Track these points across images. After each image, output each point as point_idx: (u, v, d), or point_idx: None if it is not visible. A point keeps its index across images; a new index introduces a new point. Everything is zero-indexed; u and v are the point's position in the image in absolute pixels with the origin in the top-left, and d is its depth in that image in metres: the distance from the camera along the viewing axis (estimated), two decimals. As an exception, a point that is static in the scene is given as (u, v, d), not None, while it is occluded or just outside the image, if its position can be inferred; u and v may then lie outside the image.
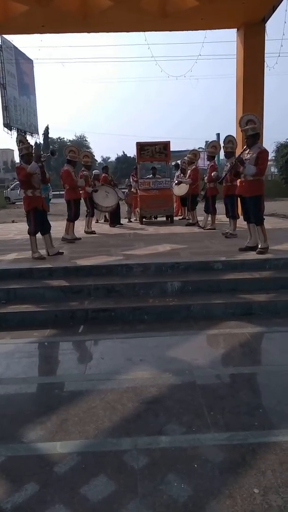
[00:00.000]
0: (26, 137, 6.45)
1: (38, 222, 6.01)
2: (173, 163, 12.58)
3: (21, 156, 6.09)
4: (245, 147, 5.81)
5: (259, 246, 5.85)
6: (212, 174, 7.96)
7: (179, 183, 9.64)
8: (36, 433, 2.58)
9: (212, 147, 8.67)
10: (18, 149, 6.15)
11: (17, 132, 46.47)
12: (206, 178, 8.26)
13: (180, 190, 9.75)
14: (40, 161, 5.90)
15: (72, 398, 2.99)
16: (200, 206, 9.84)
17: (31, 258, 6.00)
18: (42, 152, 6.38)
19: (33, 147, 6.18)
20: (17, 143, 6.10)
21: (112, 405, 2.85)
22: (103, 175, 10.21)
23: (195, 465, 2.22)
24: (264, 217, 5.89)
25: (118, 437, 2.50)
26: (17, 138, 6.25)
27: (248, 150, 5.73)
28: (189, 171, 9.58)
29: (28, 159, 5.91)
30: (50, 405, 2.90)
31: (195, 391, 3.00)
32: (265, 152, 5.68)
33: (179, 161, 11.63)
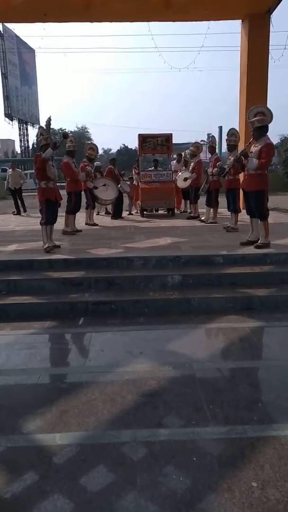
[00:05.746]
0: (45, 130, 6.86)
1: (50, 213, 6.08)
2: (175, 155, 12.47)
3: (40, 147, 6.31)
4: (251, 139, 5.74)
5: (259, 241, 5.83)
6: (215, 169, 7.89)
7: (185, 179, 9.56)
8: (36, 424, 2.59)
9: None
10: (38, 141, 6.53)
11: (18, 122, 46.22)
12: (209, 171, 8.17)
13: (184, 183, 9.69)
14: (56, 148, 6.05)
15: (71, 390, 2.99)
16: (202, 200, 9.80)
17: (43, 250, 5.88)
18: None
19: (51, 138, 6.44)
20: (37, 135, 6.49)
21: (112, 397, 2.86)
22: (108, 167, 10.13)
23: (194, 458, 2.23)
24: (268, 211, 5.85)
25: (118, 429, 2.51)
26: (38, 130, 6.78)
27: (255, 143, 5.66)
28: (192, 164, 9.52)
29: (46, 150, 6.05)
30: (49, 397, 2.91)
31: (195, 385, 3.01)
32: (270, 146, 5.58)
33: (183, 153, 11.49)
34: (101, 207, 10.98)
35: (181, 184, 9.77)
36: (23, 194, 12.54)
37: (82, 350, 3.81)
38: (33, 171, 15.86)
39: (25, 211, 12.23)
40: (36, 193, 6.35)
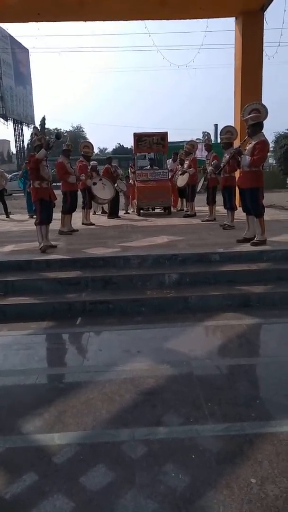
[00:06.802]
0: (39, 130, 6.80)
1: (44, 213, 6.06)
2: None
3: (34, 148, 6.31)
4: (246, 137, 5.74)
5: (256, 238, 5.84)
6: (211, 164, 7.90)
7: (183, 173, 9.53)
8: (34, 424, 2.59)
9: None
10: (32, 141, 6.64)
11: (13, 122, 46.02)
12: (209, 168, 8.15)
13: (182, 181, 9.68)
14: (49, 148, 6.04)
15: (70, 390, 2.99)
16: (199, 198, 9.80)
17: (39, 250, 5.87)
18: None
19: (46, 138, 6.41)
20: (31, 136, 6.65)
21: (110, 396, 2.86)
22: (105, 166, 10.12)
23: (193, 456, 2.23)
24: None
25: (116, 428, 2.51)
26: (32, 130, 6.96)
27: (250, 140, 5.66)
28: (187, 162, 9.51)
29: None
30: (48, 397, 2.90)
31: (193, 383, 3.01)
32: (262, 143, 5.56)
33: (179, 151, 11.48)
34: (98, 206, 10.96)
35: (181, 182, 9.72)
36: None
37: (79, 350, 3.81)
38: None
39: (7, 215, 11.30)
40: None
